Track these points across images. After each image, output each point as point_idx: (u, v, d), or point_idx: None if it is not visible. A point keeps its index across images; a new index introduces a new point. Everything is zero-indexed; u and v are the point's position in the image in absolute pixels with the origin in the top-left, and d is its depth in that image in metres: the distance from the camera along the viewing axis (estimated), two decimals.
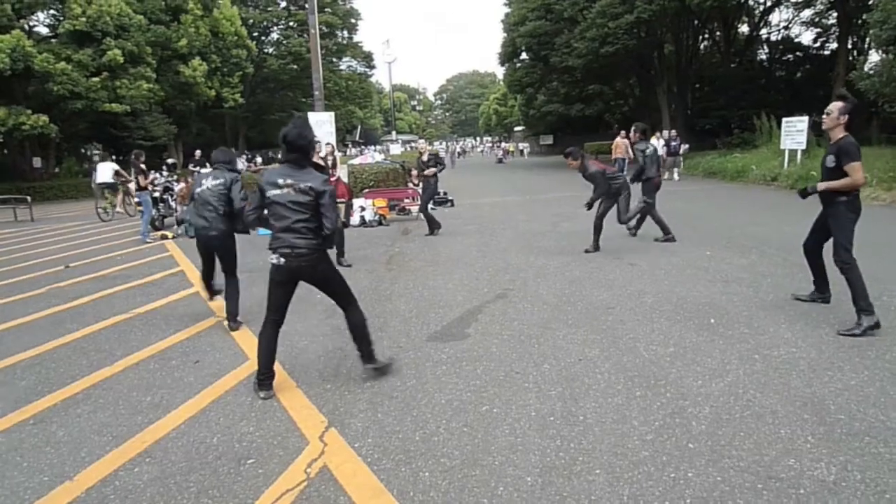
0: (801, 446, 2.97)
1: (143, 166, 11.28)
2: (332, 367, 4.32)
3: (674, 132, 20.28)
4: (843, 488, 2.61)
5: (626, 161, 20.36)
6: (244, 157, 31.26)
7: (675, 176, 19.31)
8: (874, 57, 20.34)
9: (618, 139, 19.48)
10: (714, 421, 3.25)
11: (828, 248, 4.90)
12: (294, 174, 3.69)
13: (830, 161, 4.62)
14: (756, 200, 13.44)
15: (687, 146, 20.76)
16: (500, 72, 51.19)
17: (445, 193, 15.53)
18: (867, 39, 21.91)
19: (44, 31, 27.35)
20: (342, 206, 8.90)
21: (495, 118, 75.49)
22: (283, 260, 3.67)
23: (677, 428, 3.20)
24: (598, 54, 26.50)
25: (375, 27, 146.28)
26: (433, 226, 10.29)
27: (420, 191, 11.23)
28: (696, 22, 29.88)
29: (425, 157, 10.60)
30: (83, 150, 32.20)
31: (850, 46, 25.25)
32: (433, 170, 10.31)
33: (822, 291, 5.30)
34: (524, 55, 35.16)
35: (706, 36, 34.15)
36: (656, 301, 5.60)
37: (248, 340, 5.00)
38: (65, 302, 6.68)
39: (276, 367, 4.32)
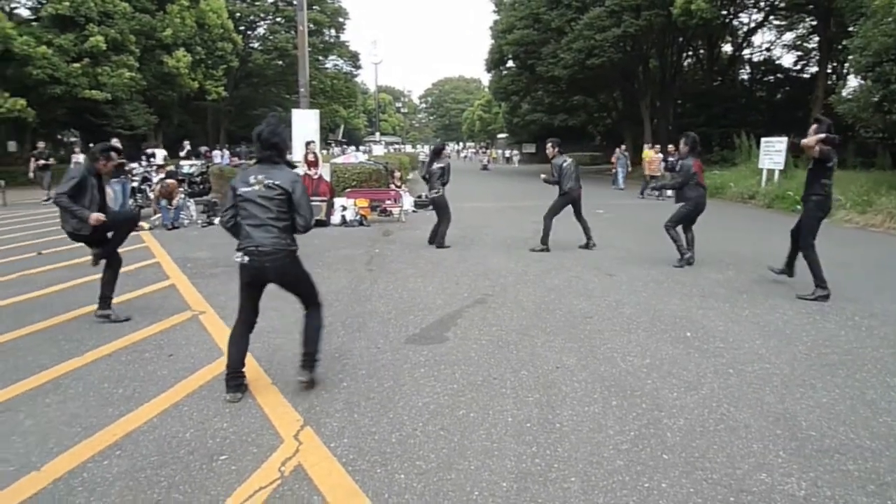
0: (772, 461, 3.01)
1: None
2: None
3: (671, 148, 18.89)
4: None
5: (624, 173, 20.45)
6: (226, 149, 30.87)
7: (668, 192, 18.74)
8: (853, 82, 20.85)
9: (651, 153, 18.32)
10: (688, 433, 3.29)
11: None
12: (266, 171, 3.63)
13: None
14: (734, 217, 13.65)
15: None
16: (485, 78, 51.52)
17: (427, 196, 15.52)
18: (846, 65, 22.43)
19: (25, 13, 26.77)
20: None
21: (479, 124, 75.76)
22: (247, 258, 3.60)
23: (652, 438, 3.22)
24: (583, 66, 26.79)
25: (363, 27, 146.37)
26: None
27: (402, 193, 10.99)
28: (681, 39, 30.38)
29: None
30: (59, 137, 31.57)
31: (829, 71, 25.89)
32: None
33: (789, 267, 6.67)
34: (511, 63, 35.42)
35: (690, 53, 34.72)
36: (634, 312, 5.65)
37: (224, 336, 4.88)
38: (36, 289, 6.52)
39: (252, 363, 4.29)
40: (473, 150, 69.09)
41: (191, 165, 16.45)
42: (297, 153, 13.57)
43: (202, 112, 38.81)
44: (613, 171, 22.43)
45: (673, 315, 5.57)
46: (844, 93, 17.31)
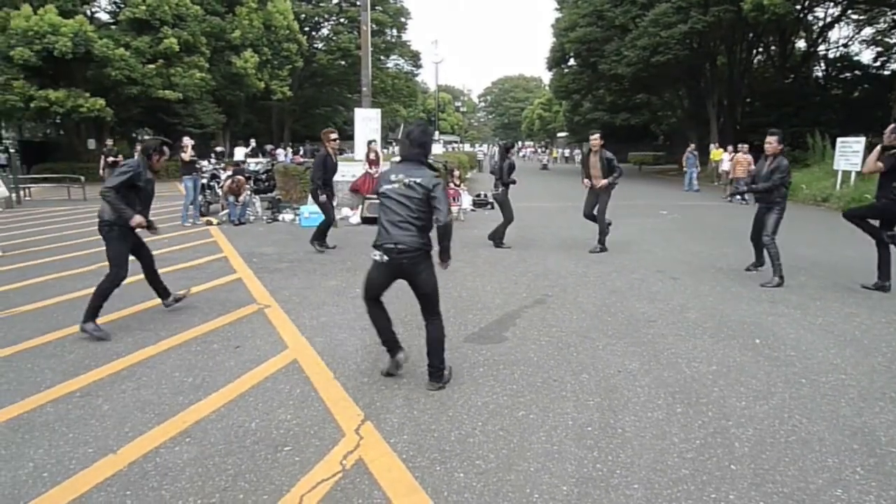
0: (849, 477, 2.86)
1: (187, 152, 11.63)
2: (370, 361, 4.35)
3: (745, 147, 17.68)
4: None
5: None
6: (289, 148, 31.75)
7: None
8: None
9: (739, 155, 16.76)
10: (757, 444, 3.16)
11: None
12: (408, 170, 3.71)
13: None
14: (806, 221, 13.03)
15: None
16: (546, 77, 50.96)
17: (486, 196, 15.50)
18: None
19: (105, 17, 28.33)
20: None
21: (538, 123, 74.99)
22: (385, 257, 3.69)
23: (719, 448, 3.12)
24: (648, 63, 26.11)
25: (424, 27, 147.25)
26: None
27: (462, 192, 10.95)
28: (751, 35, 29.14)
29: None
30: (134, 135, 33.18)
31: None
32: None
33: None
34: (572, 61, 34.89)
35: (761, 49, 33.24)
36: (699, 317, 5.48)
37: (288, 329, 5.07)
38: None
39: (314, 357, 4.40)
40: (532, 149, 68.30)
41: (257, 163, 16.98)
42: (358, 151, 13.82)
43: (267, 111, 40.04)
44: (684, 170, 21.70)
45: (740, 321, 5.36)
46: None
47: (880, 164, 6.27)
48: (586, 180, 8.87)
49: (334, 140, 8.70)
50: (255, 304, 5.92)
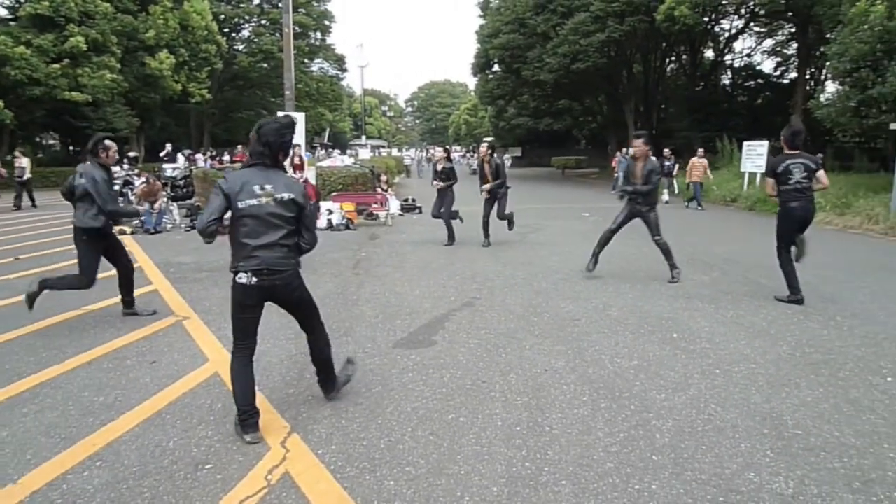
0: (760, 460, 3.02)
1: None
2: (296, 371, 4.23)
3: (667, 151, 18.72)
4: (801, 502, 2.66)
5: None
6: (208, 153, 30.59)
7: (666, 197, 17.65)
8: (830, 87, 21.15)
9: (694, 159, 16.65)
10: (677, 434, 3.29)
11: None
12: (271, 179, 3.20)
13: None
14: (718, 220, 13.79)
15: (678, 166, 18.98)
16: (471, 82, 51.57)
17: (414, 200, 15.50)
18: (824, 71, 22.79)
19: (2, 12, 26.43)
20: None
21: (465, 128, 75.82)
22: (255, 279, 3.15)
23: (641, 440, 3.22)
24: (568, 70, 26.94)
25: (349, 31, 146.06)
26: (451, 238, 9.93)
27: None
28: (664, 44, 30.68)
29: (440, 167, 10.15)
30: (38, 139, 31.11)
31: (808, 76, 26.28)
32: (440, 184, 9.91)
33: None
34: (496, 67, 35.48)
35: (673, 58, 35.07)
36: (621, 314, 5.67)
37: (209, 341, 4.86)
38: (14, 295, 6.38)
39: None
40: (461, 153, 68.76)
41: (174, 169, 16.28)
42: None
43: (185, 115, 38.49)
44: (616, 174, 22.10)
45: (659, 316, 5.59)
46: (822, 98, 17.56)
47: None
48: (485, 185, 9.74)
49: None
50: (172, 315, 5.65)
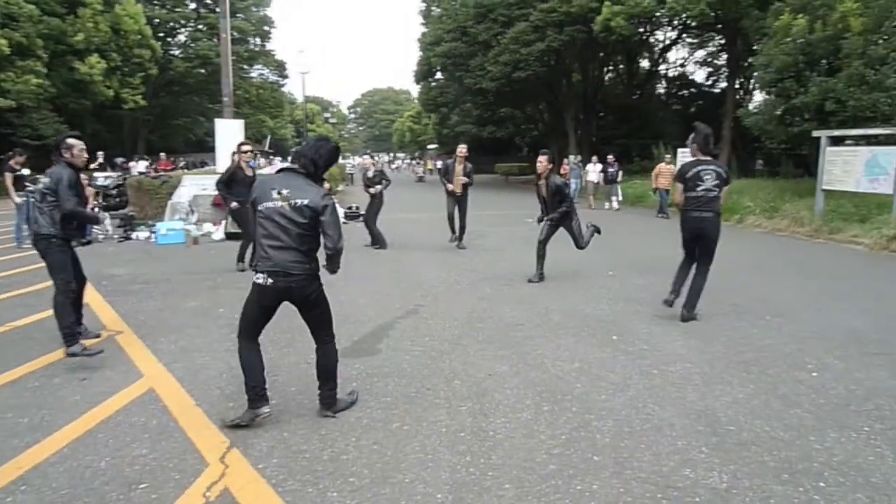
0: (696, 456, 3.13)
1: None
2: (236, 384, 4.10)
3: (611, 157, 18.85)
4: (733, 495, 2.77)
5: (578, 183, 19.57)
6: (145, 161, 29.47)
7: (615, 204, 18.09)
8: (758, 97, 22.25)
9: (661, 165, 16.19)
10: (617, 434, 3.38)
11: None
12: (291, 184, 3.32)
13: None
14: (653, 224, 14.26)
15: (621, 172, 19.16)
16: (415, 90, 51.70)
17: (358, 208, 15.37)
18: (752, 80, 23.94)
19: None
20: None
21: (409, 135, 75.85)
22: (270, 280, 3.29)
23: (583, 441, 3.29)
24: (510, 79, 27.35)
25: (290, 37, 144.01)
26: (380, 242, 10.22)
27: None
28: (602, 54, 31.58)
29: (370, 174, 10.58)
30: None
31: (737, 86, 27.50)
32: (378, 187, 10.28)
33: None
34: (439, 75, 35.71)
35: (611, 68, 36.18)
36: (563, 318, 5.78)
37: (143, 356, 4.68)
38: None
39: (173, 384, 4.09)
40: (407, 161, 68.62)
41: (106, 177, 15.60)
42: (220, 164, 13.15)
43: (118, 121, 36.96)
44: (568, 181, 22.26)
45: (600, 319, 5.73)
46: (751, 107, 18.45)
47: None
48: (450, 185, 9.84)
49: (245, 152, 8.30)
50: (104, 330, 5.40)
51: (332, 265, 3.51)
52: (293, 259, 3.32)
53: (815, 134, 12.82)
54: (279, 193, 3.30)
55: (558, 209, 7.28)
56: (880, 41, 13.13)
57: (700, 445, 3.25)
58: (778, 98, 14.60)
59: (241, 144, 8.55)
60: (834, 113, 13.03)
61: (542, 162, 7.19)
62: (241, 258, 8.16)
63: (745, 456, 3.13)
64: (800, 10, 14.13)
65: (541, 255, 7.49)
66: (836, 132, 12.53)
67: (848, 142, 12.89)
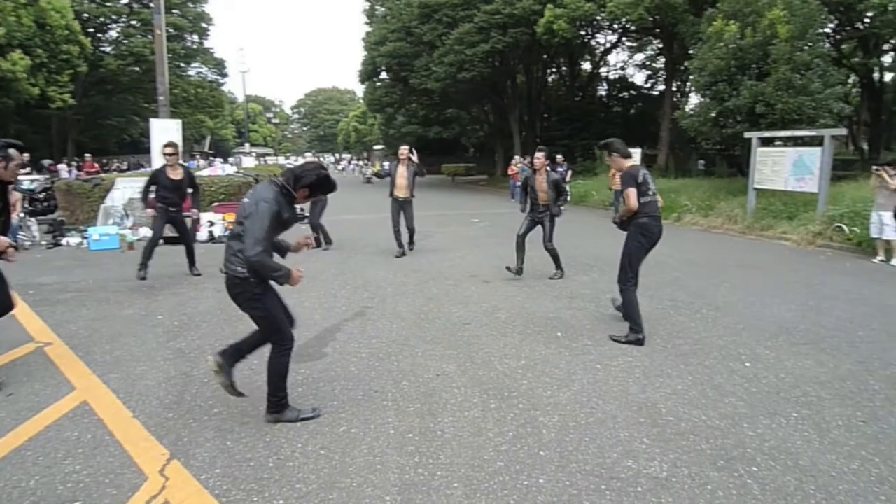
0: (637, 447, 3.23)
1: None
2: (175, 393, 3.98)
3: (560, 157, 18.55)
4: (673, 483, 2.87)
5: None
6: (73, 163, 28.17)
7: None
8: (694, 99, 23.06)
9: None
10: (562, 428, 3.44)
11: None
12: (257, 188, 3.44)
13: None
14: (596, 223, 14.59)
15: (571, 172, 19.27)
16: (360, 90, 51.25)
17: (302, 210, 15.12)
18: (688, 83, 24.79)
19: None
20: (189, 220, 8.35)
21: (355, 135, 75.17)
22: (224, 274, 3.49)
23: (529, 437, 3.34)
24: (455, 79, 27.51)
25: (229, 35, 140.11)
26: (326, 239, 10.37)
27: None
28: (545, 56, 32.14)
29: None
30: None
31: (674, 89, 28.47)
32: None
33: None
34: (384, 75, 35.51)
35: (554, 70, 36.84)
36: (509, 316, 5.85)
37: (75, 368, 4.46)
38: None
39: (108, 396, 3.93)
40: (356, 163, 67.53)
41: (32, 181, 14.81)
42: (156, 165, 12.70)
43: (45, 121, 35.14)
44: (517, 182, 22.40)
45: (544, 317, 5.83)
46: (688, 109, 19.06)
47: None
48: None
49: (168, 154, 7.82)
50: (32, 342, 5.12)
51: (254, 276, 3.33)
52: (227, 258, 3.39)
53: (747, 135, 13.40)
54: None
55: (557, 202, 7.52)
56: (805, 48, 13.88)
57: (641, 436, 3.35)
58: (712, 101, 15.17)
59: (165, 146, 8.05)
60: (764, 115, 13.66)
61: (539, 158, 7.48)
62: (143, 265, 7.65)
63: (684, 445, 3.25)
64: (731, 17, 14.74)
65: (520, 248, 7.67)
66: (766, 133, 13.14)
67: (777, 143, 13.54)
